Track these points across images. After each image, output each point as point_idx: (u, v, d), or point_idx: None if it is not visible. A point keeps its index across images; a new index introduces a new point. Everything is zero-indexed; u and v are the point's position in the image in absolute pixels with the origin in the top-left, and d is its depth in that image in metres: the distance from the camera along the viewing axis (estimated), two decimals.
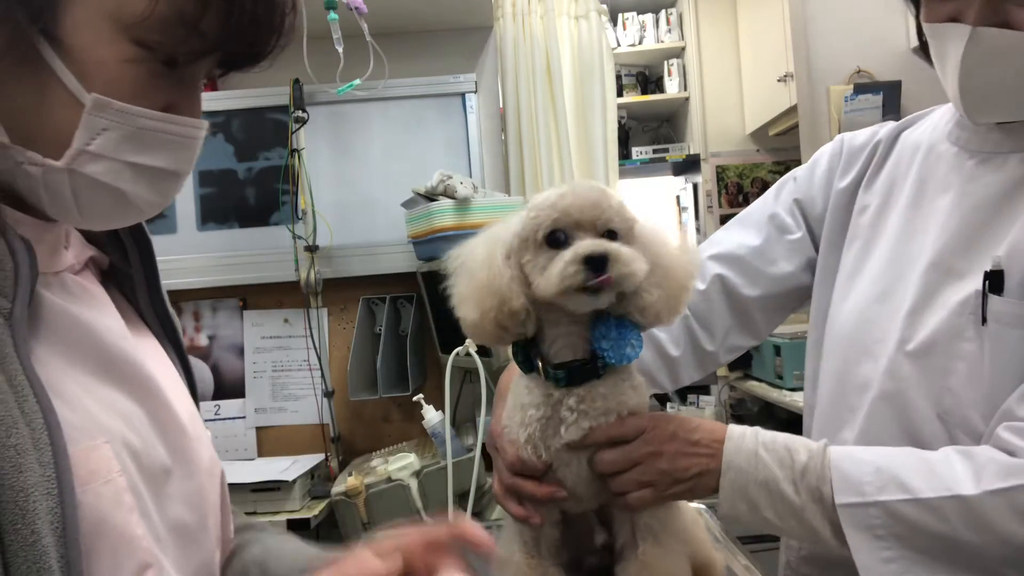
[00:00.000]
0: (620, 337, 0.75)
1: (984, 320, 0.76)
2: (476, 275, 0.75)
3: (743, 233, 1.04)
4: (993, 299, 0.76)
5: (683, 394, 3.32)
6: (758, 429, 0.81)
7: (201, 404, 0.71)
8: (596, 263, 0.67)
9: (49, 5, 0.49)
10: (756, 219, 1.04)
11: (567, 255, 0.68)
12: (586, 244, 0.68)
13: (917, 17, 0.83)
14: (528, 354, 0.78)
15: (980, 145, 0.83)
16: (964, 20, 0.75)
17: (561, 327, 0.76)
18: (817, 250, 1.02)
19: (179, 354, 0.69)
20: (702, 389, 3.29)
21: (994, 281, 0.76)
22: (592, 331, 0.75)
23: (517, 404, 0.79)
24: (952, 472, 0.72)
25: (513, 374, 0.85)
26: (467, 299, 0.75)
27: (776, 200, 1.05)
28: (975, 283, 0.77)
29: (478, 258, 0.75)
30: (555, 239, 0.71)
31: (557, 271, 0.69)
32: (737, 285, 1.02)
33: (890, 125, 0.99)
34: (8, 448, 0.44)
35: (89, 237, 0.64)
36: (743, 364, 2.94)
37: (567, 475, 0.78)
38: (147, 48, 0.51)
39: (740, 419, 2.99)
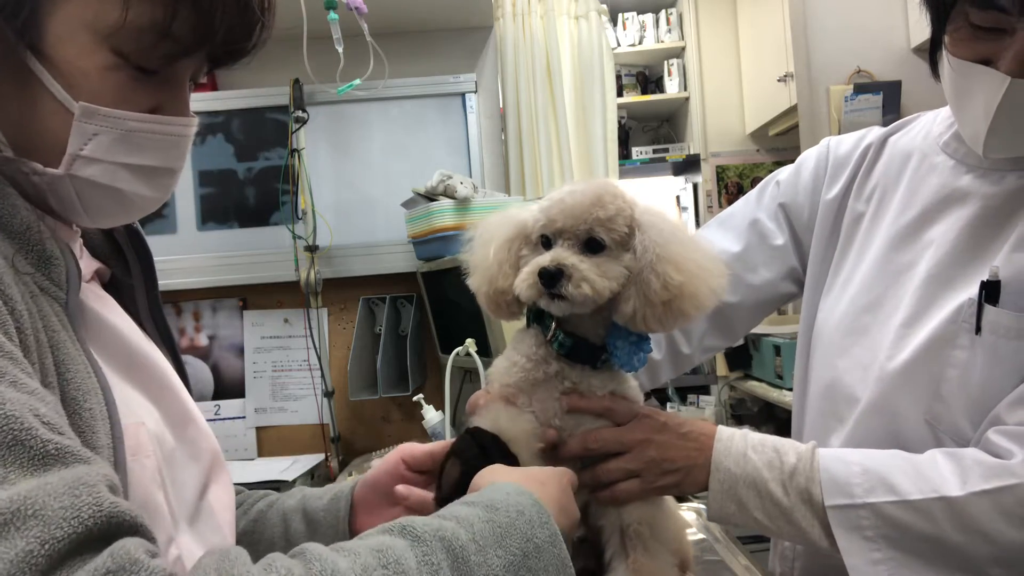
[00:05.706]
0: (635, 344, 0.75)
1: (978, 329, 0.76)
2: (478, 251, 0.79)
3: (724, 238, 1.04)
4: (988, 309, 0.75)
5: (683, 394, 3.33)
6: (747, 431, 0.81)
7: (201, 404, 0.75)
8: (549, 278, 0.69)
9: (32, 19, 0.51)
10: (737, 223, 1.04)
11: (531, 265, 0.71)
12: (546, 257, 0.70)
13: (936, 32, 0.80)
14: (543, 314, 0.78)
15: (979, 161, 0.83)
16: (996, 63, 0.73)
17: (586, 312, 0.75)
18: (800, 258, 1.02)
19: (175, 358, 0.72)
20: (702, 389, 3.30)
21: (990, 291, 0.76)
22: (612, 328, 0.75)
23: (516, 363, 0.79)
24: (938, 473, 0.72)
25: None
26: (472, 271, 0.80)
27: (759, 204, 1.04)
28: (970, 291, 0.77)
29: (486, 235, 0.79)
30: (546, 240, 0.74)
31: (522, 277, 0.72)
32: None
33: (877, 130, 0.98)
34: (85, 411, 0.48)
35: (93, 251, 0.68)
36: (743, 364, 2.93)
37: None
38: (123, 56, 0.53)
39: (740, 419, 2.99)
